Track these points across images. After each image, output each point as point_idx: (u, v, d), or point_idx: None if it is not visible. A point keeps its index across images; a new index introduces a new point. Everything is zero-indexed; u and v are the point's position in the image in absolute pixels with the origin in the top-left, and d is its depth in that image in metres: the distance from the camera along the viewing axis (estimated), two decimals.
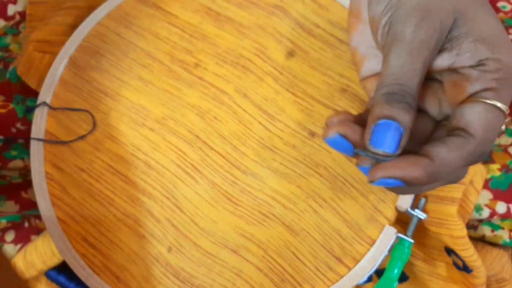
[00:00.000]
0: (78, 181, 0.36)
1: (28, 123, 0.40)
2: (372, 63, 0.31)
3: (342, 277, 0.34)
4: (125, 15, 0.40)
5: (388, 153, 0.25)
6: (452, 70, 0.27)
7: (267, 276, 0.35)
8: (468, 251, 0.36)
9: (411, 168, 0.24)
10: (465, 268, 0.38)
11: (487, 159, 0.40)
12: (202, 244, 0.35)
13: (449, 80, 0.27)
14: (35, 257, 0.40)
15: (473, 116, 0.25)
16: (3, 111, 0.40)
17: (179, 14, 0.40)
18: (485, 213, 0.40)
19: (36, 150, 0.37)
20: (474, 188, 0.39)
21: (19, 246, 0.43)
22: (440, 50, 0.26)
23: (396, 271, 0.35)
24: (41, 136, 0.37)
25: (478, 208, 0.40)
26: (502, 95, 0.25)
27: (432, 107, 0.29)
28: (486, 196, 0.40)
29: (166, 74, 0.39)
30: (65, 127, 0.38)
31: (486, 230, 0.42)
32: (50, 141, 0.37)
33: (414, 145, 0.27)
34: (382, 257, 0.35)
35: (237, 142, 0.37)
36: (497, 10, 0.41)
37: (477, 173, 0.39)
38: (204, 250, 0.35)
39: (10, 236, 0.43)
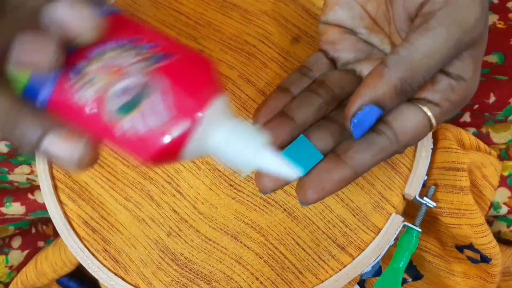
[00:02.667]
0: None
1: None
2: (343, 13, 0.29)
3: (345, 266, 0.33)
4: (131, 3, 0.40)
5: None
6: None
7: (267, 263, 0.34)
8: (488, 238, 0.35)
9: (336, 186, 0.24)
10: (483, 259, 0.36)
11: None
12: (202, 230, 0.34)
13: None
14: (46, 267, 0.41)
15: (410, 122, 0.24)
16: None
17: (185, 2, 0.40)
18: (503, 210, 0.38)
19: None
20: (488, 183, 0.38)
21: (26, 252, 0.44)
22: None
23: (403, 261, 0.33)
24: None
25: (496, 206, 0.38)
26: (442, 117, 0.25)
27: None
28: (504, 194, 0.38)
29: None
30: None
31: (501, 226, 0.40)
32: None
33: None
34: (387, 246, 0.33)
35: None
36: (507, 10, 0.39)
37: (489, 165, 0.37)
38: (204, 235, 0.34)
39: (17, 242, 0.44)
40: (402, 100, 0.24)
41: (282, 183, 0.25)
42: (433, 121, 0.25)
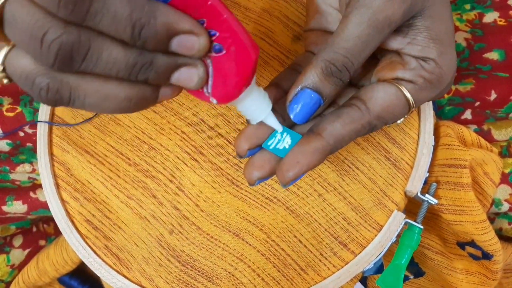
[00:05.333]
0: (82, 163, 0.36)
1: (36, 127, 0.39)
2: (323, 20, 0.31)
3: (347, 263, 0.33)
4: None
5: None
6: (394, 51, 0.27)
7: (269, 261, 0.34)
8: (489, 234, 0.35)
9: (310, 158, 0.25)
10: (485, 256, 0.36)
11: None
12: (204, 227, 0.34)
13: (388, 59, 0.27)
14: (47, 265, 0.40)
15: (380, 93, 0.25)
16: (11, 114, 0.40)
17: None
18: (505, 207, 0.38)
19: (43, 133, 0.37)
20: (490, 180, 0.38)
21: (27, 251, 0.44)
22: (396, 30, 0.26)
23: (405, 258, 0.33)
24: (48, 119, 0.38)
25: (497, 203, 0.38)
26: (420, 93, 0.26)
27: (355, 74, 0.29)
28: (505, 191, 0.38)
29: None
30: (72, 110, 0.38)
31: (503, 223, 0.40)
32: (56, 123, 0.38)
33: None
34: (389, 243, 0.33)
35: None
36: (507, 7, 0.40)
37: (490, 162, 0.37)
38: (206, 233, 0.34)
39: (18, 241, 0.44)
40: (335, 82, 0.25)
41: (268, 173, 0.26)
42: (408, 96, 0.26)
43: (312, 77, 0.25)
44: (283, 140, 0.26)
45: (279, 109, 0.28)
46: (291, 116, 0.26)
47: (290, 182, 0.25)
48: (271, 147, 0.26)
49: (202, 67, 0.22)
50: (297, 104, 0.25)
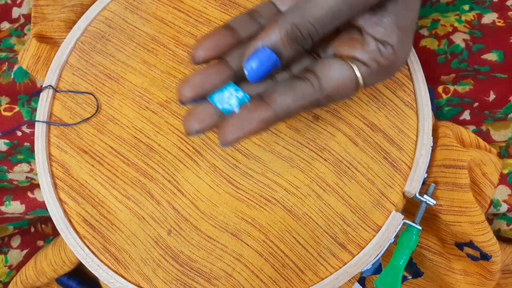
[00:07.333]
0: (80, 162, 0.36)
1: (34, 126, 0.39)
2: None
3: (345, 263, 0.33)
4: (131, 1, 0.40)
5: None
6: (357, 27, 0.27)
7: (267, 261, 0.34)
8: (488, 235, 0.35)
9: (254, 126, 0.25)
10: (483, 257, 0.36)
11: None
12: (203, 228, 0.34)
13: (349, 34, 0.27)
14: (45, 266, 0.40)
15: (336, 73, 0.26)
16: (8, 114, 0.40)
17: None
18: (503, 208, 0.38)
19: (40, 133, 0.37)
20: (488, 180, 0.38)
21: (25, 251, 0.44)
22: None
23: (403, 259, 0.33)
24: (46, 119, 0.38)
25: (496, 204, 0.38)
26: (370, 77, 0.26)
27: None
28: (504, 192, 0.38)
29: (170, 58, 0.38)
30: (70, 110, 0.38)
31: (501, 224, 0.40)
32: (54, 123, 0.37)
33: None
34: (387, 244, 0.33)
35: None
36: (506, 8, 0.40)
37: (489, 163, 0.37)
38: (204, 233, 0.34)
39: (16, 242, 0.44)
40: (296, 48, 0.25)
41: (208, 128, 0.26)
42: (360, 78, 0.26)
43: (275, 37, 0.25)
44: (230, 97, 0.26)
45: (231, 60, 0.27)
46: (246, 73, 0.25)
47: (229, 145, 0.25)
48: (216, 101, 0.25)
49: None
50: (254, 62, 0.25)
